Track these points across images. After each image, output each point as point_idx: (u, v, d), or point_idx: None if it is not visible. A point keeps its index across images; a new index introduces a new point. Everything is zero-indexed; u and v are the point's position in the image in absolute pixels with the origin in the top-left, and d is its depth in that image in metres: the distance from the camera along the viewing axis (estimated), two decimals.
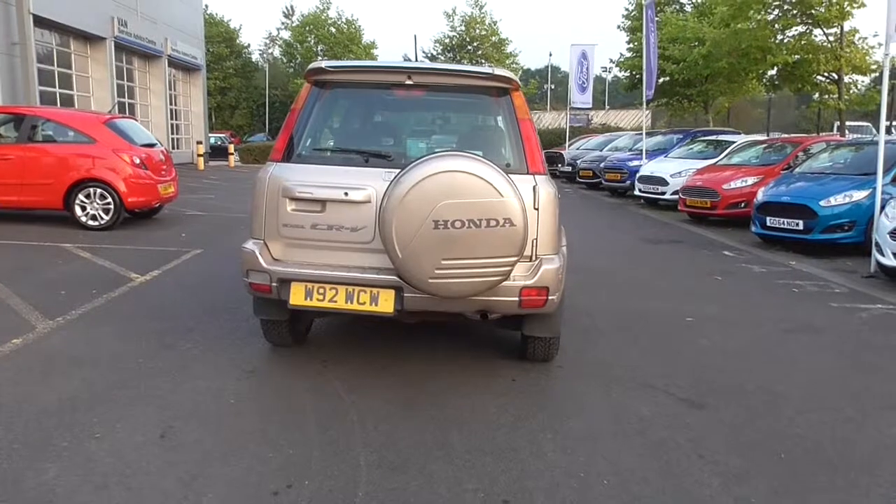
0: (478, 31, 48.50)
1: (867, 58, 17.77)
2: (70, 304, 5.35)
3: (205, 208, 12.28)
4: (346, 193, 3.74)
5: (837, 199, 9.13)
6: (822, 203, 9.14)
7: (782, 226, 9.51)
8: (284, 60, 49.94)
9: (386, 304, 3.74)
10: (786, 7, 17.11)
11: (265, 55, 52.80)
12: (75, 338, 4.66)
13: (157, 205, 9.96)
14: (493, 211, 3.42)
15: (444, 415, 3.59)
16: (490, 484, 2.89)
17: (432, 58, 51.69)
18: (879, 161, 7.99)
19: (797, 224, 9.32)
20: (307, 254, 3.83)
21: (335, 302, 3.77)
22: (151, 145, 9.98)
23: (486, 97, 3.89)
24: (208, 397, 3.73)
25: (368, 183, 3.73)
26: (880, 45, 17.94)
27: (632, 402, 3.83)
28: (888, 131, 15.48)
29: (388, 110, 4.08)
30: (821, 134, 21.63)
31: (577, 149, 23.88)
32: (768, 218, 9.68)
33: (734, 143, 15.68)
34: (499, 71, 3.83)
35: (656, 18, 16.09)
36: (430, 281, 3.50)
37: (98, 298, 5.63)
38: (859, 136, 18.85)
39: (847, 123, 20.13)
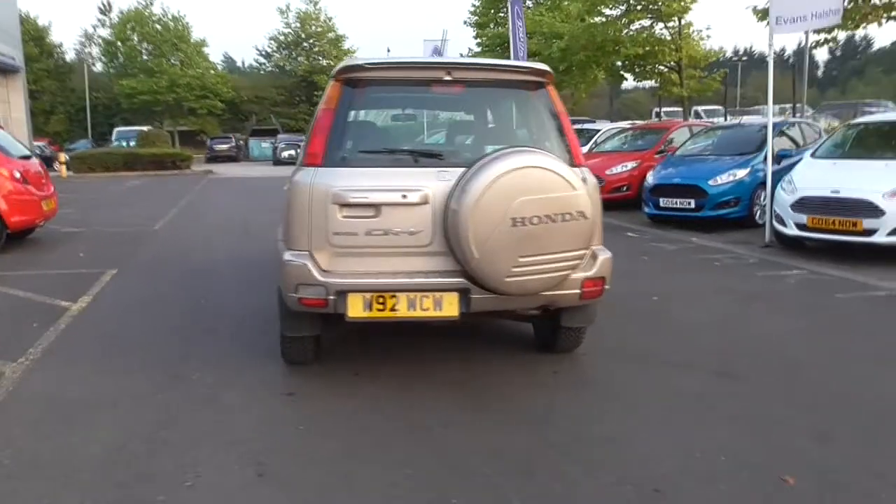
0: (313, 27, 47.61)
1: (700, 49, 19.71)
2: (21, 342, 4.66)
3: (75, 223, 11.06)
4: (404, 196, 3.58)
5: (723, 178, 10.04)
6: (710, 182, 10.01)
7: (675, 206, 10.32)
8: (105, 60, 45.87)
9: (450, 307, 3.64)
10: (632, 2, 18.45)
11: (82, 55, 48.20)
12: (60, 378, 4.08)
13: (41, 223, 8.85)
14: (568, 205, 3.46)
15: (517, 416, 3.55)
16: (624, 472, 2.92)
17: (267, 56, 50.00)
18: (769, 140, 8.85)
19: (689, 203, 10.15)
20: (361, 262, 3.62)
21: (396, 311, 3.61)
22: (27, 157, 8.86)
23: (524, 91, 3.88)
24: (274, 426, 3.44)
25: (424, 183, 3.60)
26: (709, 37, 19.99)
27: (676, 380, 4.01)
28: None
29: (427, 108, 3.94)
30: (663, 119, 23.60)
31: None
32: (661, 199, 10.47)
33: (598, 131, 16.83)
34: (536, 64, 3.84)
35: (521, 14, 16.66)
36: (507, 280, 3.47)
37: (47, 331, 4.95)
38: (714, 120, 20.88)
39: (702, 108, 22.11)
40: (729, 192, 9.96)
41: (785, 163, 9.39)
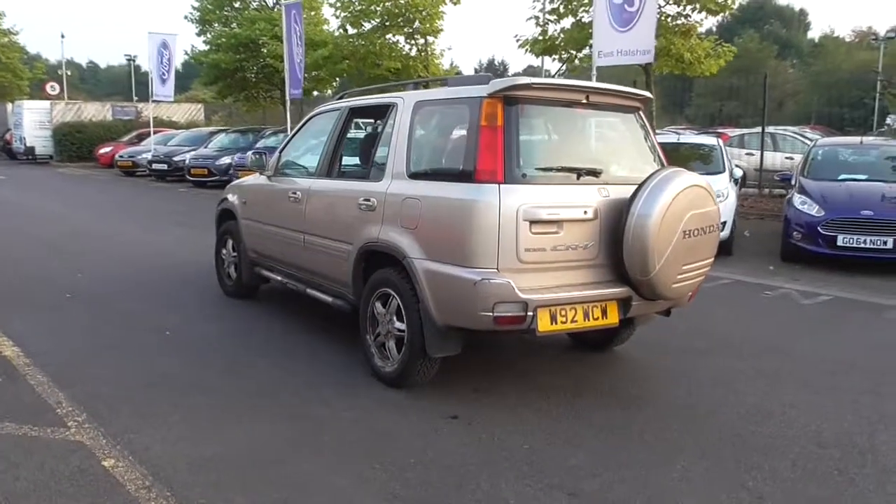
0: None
1: (439, 67, 21.39)
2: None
3: None
4: (584, 212, 3.75)
5: None
6: None
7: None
8: None
9: (612, 315, 3.91)
10: (386, 17, 19.27)
11: None
12: (180, 438, 3.33)
13: None
14: (714, 217, 4.01)
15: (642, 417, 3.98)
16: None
17: None
18: None
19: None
20: (544, 277, 3.69)
21: (575, 322, 3.77)
22: None
23: (627, 114, 4.28)
24: (493, 454, 3.35)
25: (591, 199, 3.81)
26: (443, 53, 21.75)
27: (722, 361, 4.76)
28: None
29: (568, 127, 4.07)
30: None
31: (166, 144, 22.65)
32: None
33: None
34: (639, 91, 4.29)
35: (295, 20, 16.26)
36: (673, 287, 3.88)
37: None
38: None
39: None
40: None
41: None
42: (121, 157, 23.67)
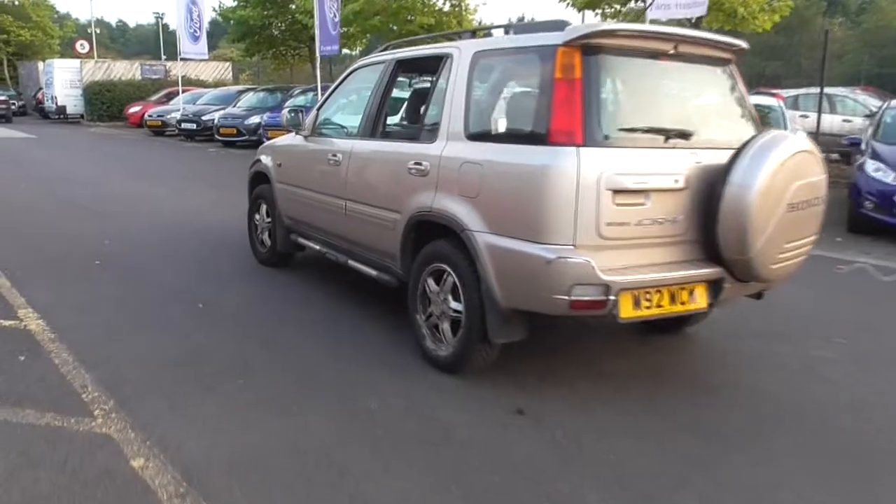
0: None
1: (471, 22, 20.58)
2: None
3: None
4: (675, 181, 3.26)
5: None
6: None
7: None
8: None
9: (701, 299, 3.44)
10: None
11: None
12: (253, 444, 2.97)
13: None
14: (822, 188, 3.49)
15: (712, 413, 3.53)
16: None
17: None
18: None
19: None
20: (627, 256, 3.22)
21: (661, 307, 3.31)
22: None
23: (718, 68, 3.73)
24: (570, 457, 2.94)
25: (682, 166, 3.31)
26: (476, 9, 20.94)
27: (805, 345, 4.26)
28: None
29: (653, 82, 3.54)
30: None
31: (195, 103, 22.27)
32: None
33: None
34: (736, 41, 3.72)
35: None
36: (772, 267, 3.38)
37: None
38: None
39: None
40: None
41: None
42: (150, 116, 23.45)
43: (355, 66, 5.09)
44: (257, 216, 5.94)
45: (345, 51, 24.26)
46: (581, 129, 3.12)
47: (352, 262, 4.63)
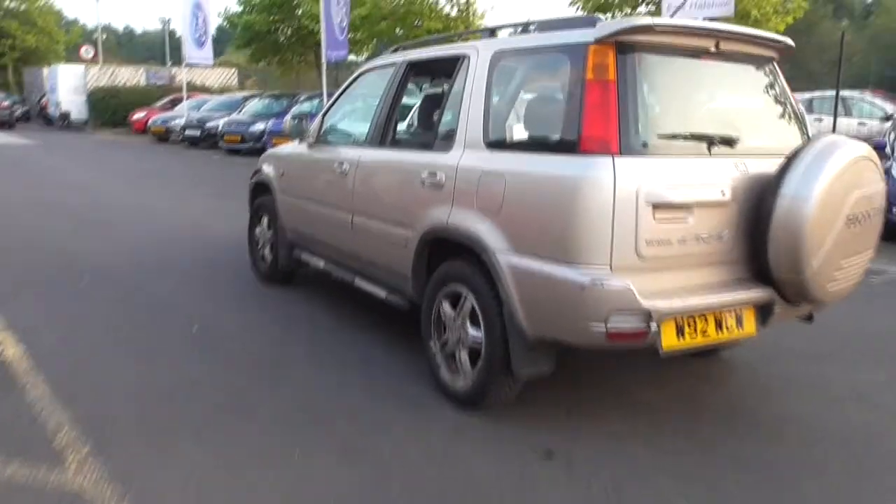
0: None
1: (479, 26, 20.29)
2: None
3: None
4: (721, 192, 2.90)
5: None
6: None
7: None
8: None
9: (749, 324, 3.08)
10: None
11: None
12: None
13: None
14: (881, 198, 3.15)
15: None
16: None
17: None
18: None
19: None
20: (667, 278, 2.87)
21: (707, 335, 2.94)
22: None
23: (760, 67, 3.37)
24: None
25: (727, 176, 2.96)
26: (484, 14, 20.66)
27: (854, 368, 3.90)
28: None
29: (693, 82, 3.19)
30: None
31: (199, 110, 21.99)
32: None
33: None
34: (780, 37, 3.37)
35: None
36: (829, 288, 3.02)
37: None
38: None
39: None
40: None
41: None
42: (154, 122, 23.22)
43: (363, 69, 4.75)
44: (258, 229, 5.59)
45: (350, 57, 24.01)
46: (616, 135, 2.77)
47: (359, 282, 4.28)
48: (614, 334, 2.73)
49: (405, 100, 4.36)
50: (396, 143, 4.21)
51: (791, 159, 2.92)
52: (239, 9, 25.95)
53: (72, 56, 40.11)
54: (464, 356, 3.32)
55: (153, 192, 10.64)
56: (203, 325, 4.42)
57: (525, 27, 3.63)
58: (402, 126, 4.39)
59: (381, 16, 18.86)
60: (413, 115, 4.49)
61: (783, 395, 3.64)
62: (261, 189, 5.54)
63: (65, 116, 29.40)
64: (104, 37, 46.95)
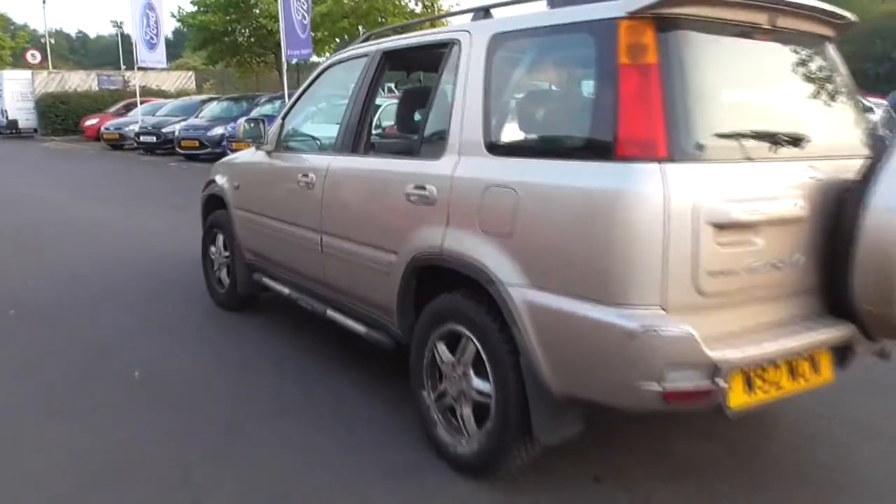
0: None
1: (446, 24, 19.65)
2: None
3: None
4: (795, 204, 2.29)
5: None
6: None
7: None
8: None
9: (826, 369, 2.47)
10: None
11: None
12: None
13: None
14: None
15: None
16: None
17: None
18: None
19: None
20: (732, 318, 2.24)
21: (780, 388, 2.33)
22: None
23: (817, 47, 2.76)
24: None
25: (799, 185, 2.35)
26: (450, 11, 19.99)
27: None
28: None
29: (747, 67, 2.55)
30: None
31: (154, 115, 21.03)
32: None
33: None
34: (842, 10, 2.76)
35: None
36: None
37: None
38: None
39: None
40: None
41: None
42: (107, 129, 22.16)
43: (329, 61, 4.06)
44: (213, 248, 4.87)
45: (312, 57, 23.22)
46: (664, 135, 2.14)
47: (331, 314, 3.60)
48: (673, 395, 2.09)
49: (381, 98, 3.67)
50: (372, 149, 3.54)
51: (876, 162, 2.31)
52: (193, 9, 24.93)
53: (19, 62, 38.48)
54: (467, 413, 2.67)
55: (103, 206, 9.77)
56: (148, 370, 3.69)
57: None
58: (378, 129, 3.71)
59: (342, 13, 18.11)
60: (391, 115, 3.81)
61: (860, 445, 3.01)
62: (214, 203, 4.82)
63: (13, 125, 28.08)
64: (53, 41, 45.23)
